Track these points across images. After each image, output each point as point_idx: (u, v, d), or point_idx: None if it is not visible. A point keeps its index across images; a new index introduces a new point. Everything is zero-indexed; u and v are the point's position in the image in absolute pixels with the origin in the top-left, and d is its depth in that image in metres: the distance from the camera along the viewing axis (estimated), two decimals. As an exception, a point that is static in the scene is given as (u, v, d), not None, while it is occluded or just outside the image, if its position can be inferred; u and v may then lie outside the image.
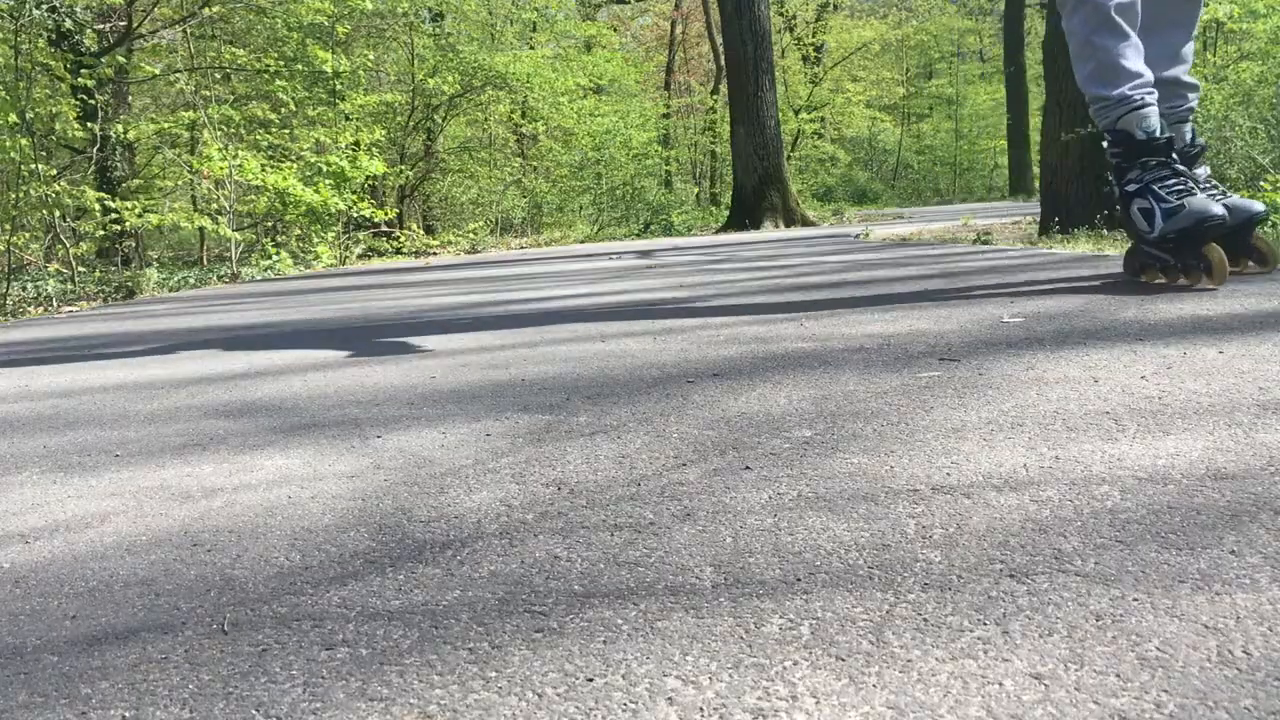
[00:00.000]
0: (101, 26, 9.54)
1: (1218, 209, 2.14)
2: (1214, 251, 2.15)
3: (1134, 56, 2.27)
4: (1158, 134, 2.24)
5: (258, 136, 9.10)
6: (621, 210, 13.82)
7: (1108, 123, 2.30)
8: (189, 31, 10.12)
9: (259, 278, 6.91)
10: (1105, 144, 2.36)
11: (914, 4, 30.12)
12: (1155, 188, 2.22)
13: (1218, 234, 2.14)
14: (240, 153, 7.91)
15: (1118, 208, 2.36)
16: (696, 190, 23.80)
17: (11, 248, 6.21)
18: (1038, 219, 6.12)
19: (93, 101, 7.98)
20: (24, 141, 6.11)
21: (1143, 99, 2.23)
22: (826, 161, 26.43)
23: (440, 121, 13.44)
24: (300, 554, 0.89)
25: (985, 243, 5.00)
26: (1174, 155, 2.26)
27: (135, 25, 9.38)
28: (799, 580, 0.76)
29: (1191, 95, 2.41)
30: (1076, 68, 2.37)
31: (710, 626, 0.69)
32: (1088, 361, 1.49)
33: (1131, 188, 2.27)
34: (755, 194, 11.12)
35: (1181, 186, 2.21)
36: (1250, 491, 0.88)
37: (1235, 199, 2.31)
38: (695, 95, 25.75)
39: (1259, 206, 2.30)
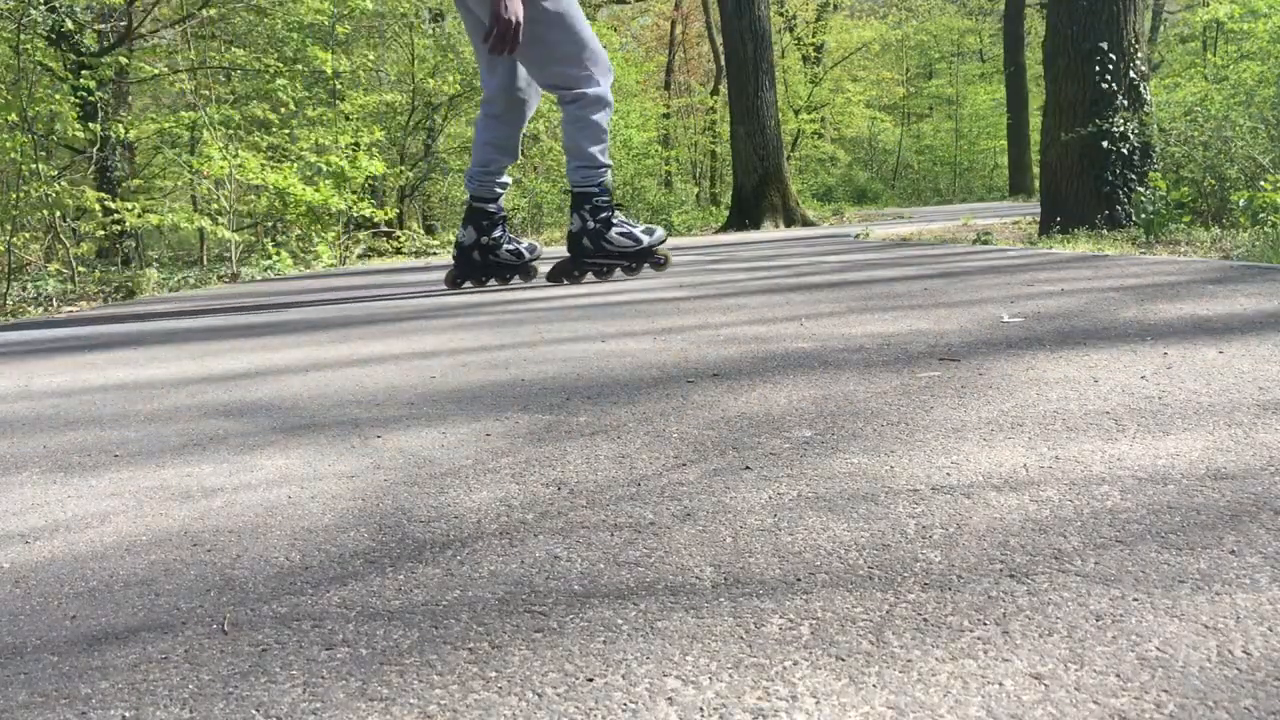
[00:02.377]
0: (101, 26, 9.54)
1: (661, 230, 3.84)
2: (666, 250, 3.89)
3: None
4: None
5: (257, 138, 9.10)
6: (621, 210, 13.81)
7: (600, 182, 3.63)
8: (189, 32, 10.12)
9: (259, 278, 6.91)
10: (592, 194, 3.66)
11: (914, 4, 30.12)
12: (625, 221, 3.68)
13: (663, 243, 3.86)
14: (240, 153, 7.91)
15: (586, 240, 3.69)
16: (696, 190, 23.81)
17: (11, 248, 6.21)
18: (1038, 219, 6.12)
19: (93, 101, 7.98)
20: (24, 141, 6.11)
21: (609, 165, 3.65)
22: (826, 161, 26.44)
23: (441, 121, 13.44)
24: (300, 554, 0.89)
25: (985, 243, 5.00)
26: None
27: (135, 25, 9.38)
28: (799, 580, 0.76)
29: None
30: (591, 144, 3.60)
31: (710, 626, 0.69)
32: (1088, 361, 1.49)
33: (614, 221, 3.67)
34: (755, 194, 11.12)
35: (636, 221, 3.84)
36: (1250, 491, 0.88)
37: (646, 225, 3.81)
38: (695, 95, 25.76)
39: (662, 231, 3.82)
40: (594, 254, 3.72)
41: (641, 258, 3.75)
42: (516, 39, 3.34)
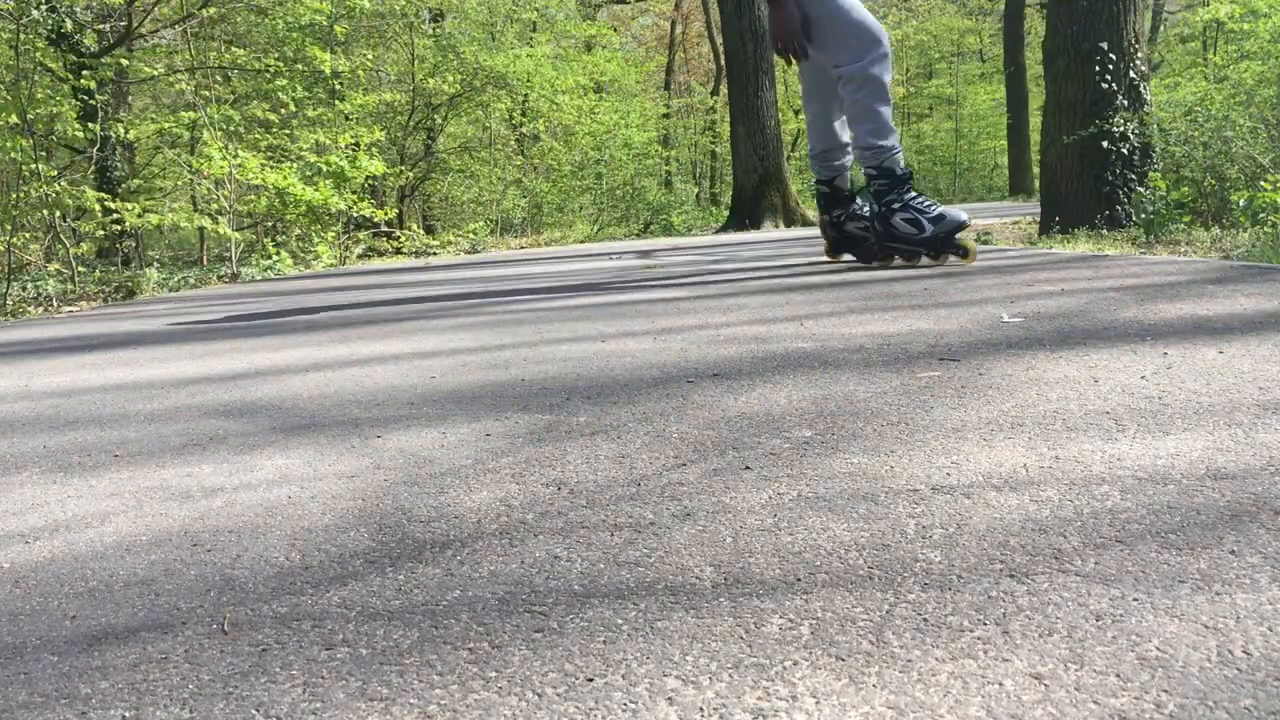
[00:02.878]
0: (101, 27, 9.54)
1: (964, 214, 3.28)
2: (968, 241, 3.29)
3: (890, 115, 3.30)
4: (905, 170, 3.30)
5: (257, 136, 9.10)
6: (621, 210, 13.82)
7: (877, 164, 3.28)
8: (189, 32, 10.12)
9: (259, 277, 6.91)
10: (872, 177, 3.32)
11: (914, 4, 30.11)
12: (913, 205, 3.25)
13: (963, 230, 3.27)
14: (240, 153, 7.91)
15: (876, 224, 3.39)
16: (696, 190, 23.81)
17: (11, 248, 6.21)
18: (1038, 219, 6.12)
19: (93, 101, 7.98)
20: (24, 142, 6.11)
21: (899, 148, 3.30)
22: (827, 162, 26.37)
23: (440, 121, 13.44)
24: (300, 554, 0.89)
25: (985, 242, 5.00)
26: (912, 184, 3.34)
27: (135, 25, 9.38)
28: (799, 580, 0.76)
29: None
30: (857, 126, 3.29)
31: (710, 626, 0.69)
32: (1088, 361, 1.49)
33: (896, 206, 3.28)
34: (755, 194, 11.11)
35: (930, 202, 3.28)
36: (1250, 491, 0.88)
37: (951, 209, 3.33)
38: (695, 95, 25.75)
39: (964, 214, 3.30)
40: (884, 239, 3.40)
41: (934, 246, 3.28)
42: (799, 45, 3.27)
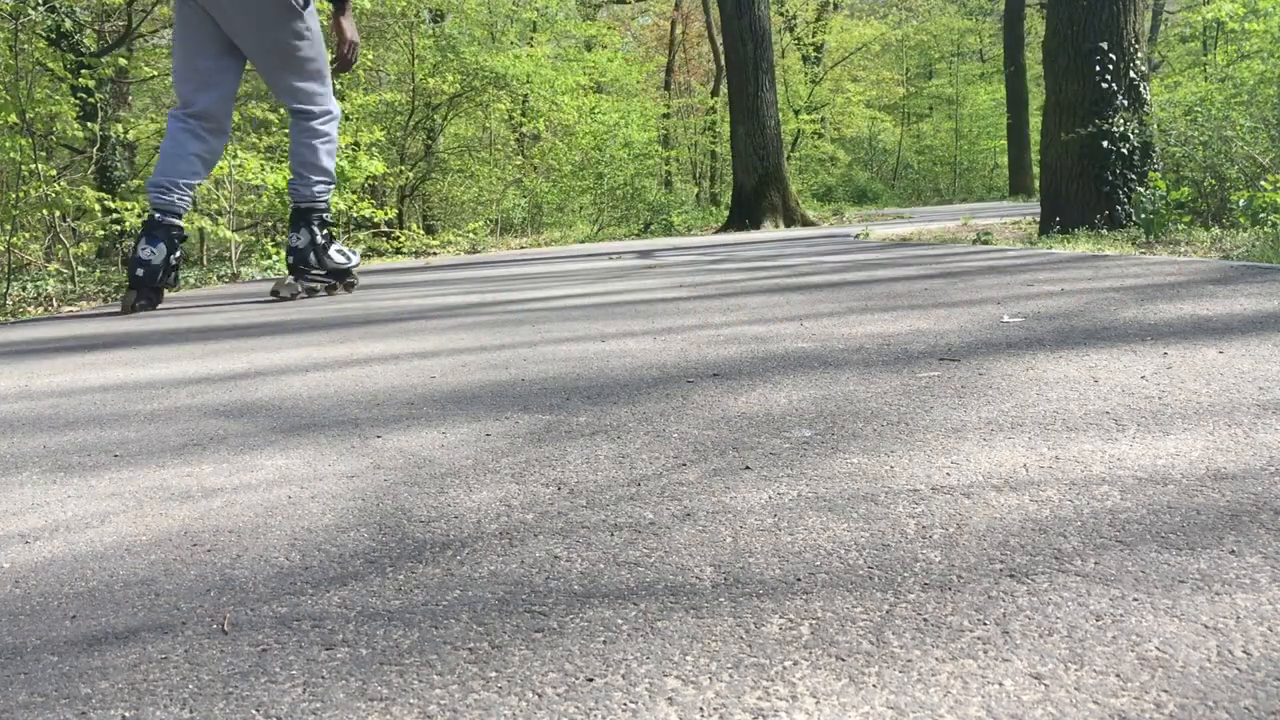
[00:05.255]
0: (101, 27, 9.54)
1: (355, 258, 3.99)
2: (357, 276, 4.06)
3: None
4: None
5: (255, 139, 9.10)
6: (621, 210, 13.82)
7: (327, 198, 3.73)
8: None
9: (259, 277, 6.91)
10: (314, 209, 3.74)
11: (914, 4, 30.11)
12: (339, 239, 3.59)
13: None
14: (239, 153, 7.90)
15: (315, 256, 3.78)
16: (696, 190, 23.81)
17: (11, 248, 6.21)
18: (1038, 219, 6.12)
19: (92, 101, 7.97)
20: (24, 141, 6.11)
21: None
22: (826, 161, 26.42)
23: (440, 121, 13.44)
24: (300, 554, 0.89)
25: (985, 243, 5.00)
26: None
27: (135, 25, 9.38)
28: (799, 580, 0.76)
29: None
30: (326, 161, 3.73)
31: (710, 626, 0.69)
32: (1088, 361, 1.49)
33: (332, 239, 3.77)
34: (755, 194, 11.11)
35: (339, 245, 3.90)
36: (1250, 491, 0.88)
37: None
38: (695, 95, 25.75)
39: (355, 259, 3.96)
40: (316, 269, 3.78)
41: (344, 277, 3.87)
42: (355, 58, 3.65)
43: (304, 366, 2.01)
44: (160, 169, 3.55)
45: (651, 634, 0.68)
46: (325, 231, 3.77)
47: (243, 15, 3.43)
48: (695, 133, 24.94)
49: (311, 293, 3.80)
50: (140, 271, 3.52)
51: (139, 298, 3.59)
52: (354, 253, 3.97)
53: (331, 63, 3.70)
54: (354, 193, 9.16)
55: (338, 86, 10.25)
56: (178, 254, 3.63)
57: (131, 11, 9.46)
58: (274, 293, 3.85)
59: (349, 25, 3.58)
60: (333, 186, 3.75)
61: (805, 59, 27.62)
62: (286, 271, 3.93)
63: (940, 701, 0.57)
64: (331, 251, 3.80)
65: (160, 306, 3.77)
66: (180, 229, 3.59)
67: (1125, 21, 5.37)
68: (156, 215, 3.55)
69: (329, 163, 3.71)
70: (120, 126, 8.43)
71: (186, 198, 3.57)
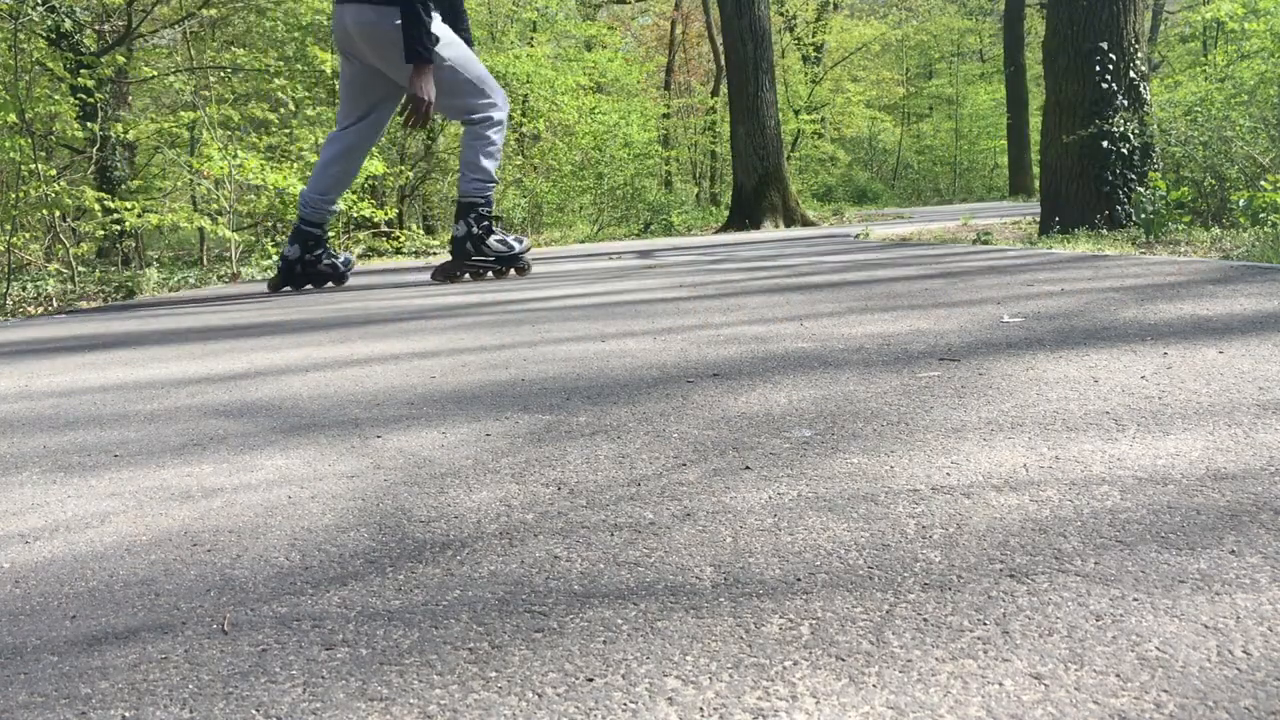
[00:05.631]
0: (101, 27, 9.54)
1: (526, 242, 4.36)
2: (529, 260, 4.43)
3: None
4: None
5: (255, 139, 9.10)
6: (622, 210, 13.82)
7: (486, 195, 4.13)
8: (189, 32, 10.12)
9: (259, 278, 6.91)
10: (476, 204, 4.14)
11: (914, 4, 30.11)
12: (502, 231, 4.19)
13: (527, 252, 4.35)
14: (240, 153, 7.90)
15: (464, 242, 4.17)
16: (696, 190, 23.81)
17: (11, 248, 6.21)
18: (1038, 219, 6.12)
19: (92, 101, 7.97)
20: (24, 141, 6.11)
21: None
22: (826, 161, 26.41)
23: (440, 121, 13.43)
24: (300, 554, 0.89)
25: (985, 243, 5.00)
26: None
27: (135, 25, 9.38)
28: (799, 580, 0.76)
29: None
30: (486, 162, 4.11)
31: (710, 626, 0.69)
32: (1088, 361, 1.49)
33: (494, 231, 4.19)
34: (755, 194, 11.11)
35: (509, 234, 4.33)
36: (1250, 491, 0.88)
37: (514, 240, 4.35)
38: (695, 95, 25.74)
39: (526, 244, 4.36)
40: (475, 256, 4.22)
41: (513, 263, 4.29)
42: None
43: (304, 366, 2.01)
44: (309, 183, 4.23)
45: (651, 634, 0.68)
46: (484, 224, 4.14)
47: (392, 68, 3.94)
48: (695, 133, 24.93)
49: (478, 276, 4.23)
50: (282, 264, 4.35)
51: (282, 282, 4.35)
52: (519, 241, 4.28)
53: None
54: (354, 193, 9.16)
55: (338, 86, 10.26)
56: (317, 253, 4.30)
57: (131, 11, 9.46)
58: (434, 275, 4.33)
59: (421, 82, 3.85)
60: (491, 185, 4.12)
61: (805, 59, 27.61)
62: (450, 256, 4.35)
63: (940, 701, 0.57)
64: (491, 241, 4.17)
65: (165, 306, 3.77)
66: (314, 234, 4.28)
67: (1125, 21, 5.37)
68: (299, 221, 4.29)
69: (487, 164, 4.09)
70: (120, 126, 8.43)
71: (322, 210, 4.23)
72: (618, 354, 1.88)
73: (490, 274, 4.26)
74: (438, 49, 3.88)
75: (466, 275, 4.25)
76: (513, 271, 4.31)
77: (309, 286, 4.42)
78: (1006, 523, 0.85)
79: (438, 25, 3.92)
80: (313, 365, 2.02)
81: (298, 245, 4.30)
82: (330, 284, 4.46)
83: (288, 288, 4.37)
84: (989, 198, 23.61)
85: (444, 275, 4.30)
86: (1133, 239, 4.64)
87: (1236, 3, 8.65)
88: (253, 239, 9.75)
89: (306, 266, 4.33)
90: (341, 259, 4.45)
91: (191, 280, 6.80)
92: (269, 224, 9.49)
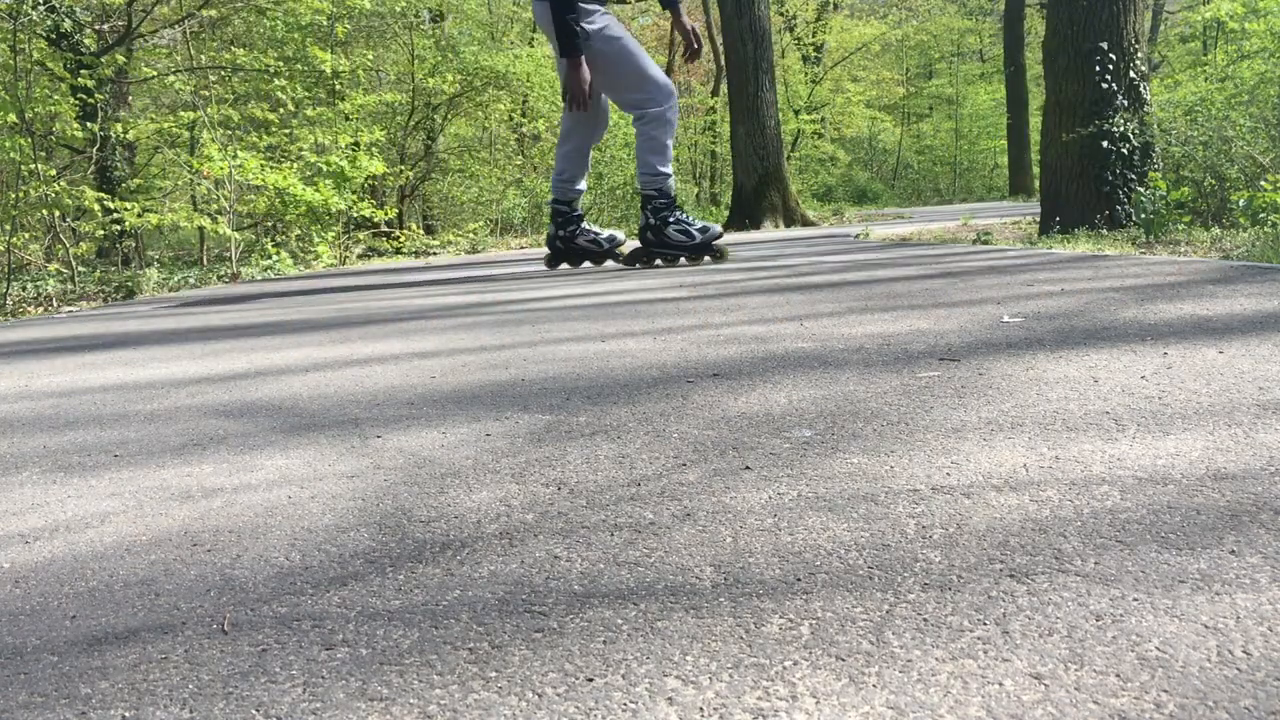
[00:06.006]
0: (101, 27, 9.54)
1: (719, 227, 4.37)
2: (724, 247, 4.44)
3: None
4: (674, 194, 4.31)
5: (255, 139, 9.10)
6: (622, 210, 13.82)
7: (659, 186, 4.25)
8: (188, 31, 10.11)
9: (259, 277, 6.91)
10: (653, 197, 4.29)
11: (914, 4, 30.10)
12: (684, 220, 4.30)
13: (719, 239, 4.37)
14: (239, 153, 7.90)
15: (649, 234, 4.34)
16: (696, 190, 23.79)
17: (11, 248, 6.21)
18: (1038, 219, 6.12)
19: (92, 101, 7.97)
20: (24, 141, 6.10)
21: (672, 175, 4.29)
22: (826, 161, 26.41)
23: (440, 121, 13.44)
24: (300, 554, 0.89)
25: (985, 243, 5.00)
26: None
27: (135, 25, 9.38)
28: (799, 580, 0.76)
29: None
30: (651, 157, 4.24)
31: (710, 626, 0.69)
32: (1088, 361, 1.49)
33: (671, 220, 4.28)
34: (755, 194, 11.11)
35: (697, 220, 4.38)
36: (1250, 491, 0.88)
37: (705, 224, 4.39)
38: (695, 95, 25.73)
39: (719, 228, 4.38)
40: (655, 244, 4.35)
41: (706, 250, 4.34)
42: (587, 99, 4.13)
43: (304, 366, 2.01)
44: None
45: (651, 634, 0.68)
46: (662, 215, 4.26)
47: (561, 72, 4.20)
48: (695, 133, 24.92)
49: (669, 262, 4.35)
50: (547, 242, 4.60)
51: (551, 259, 4.61)
52: (701, 230, 4.30)
53: (683, 56, 4.44)
54: (354, 193, 9.15)
55: (338, 86, 10.26)
56: (570, 229, 4.48)
57: (131, 11, 9.46)
58: (625, 260, 4.50)
59: (573, 73, 4.10)
60: (659, 178, 4.23)
61: (805, 59, 27.61)
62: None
63: (940, 701, 0.57)
64: (670, 231, 4.28)
65: (165, 305, 3.77)
66: (562, 211, 4.46)
67: (1125, 21, 5.37)
68: (550, 200, 4.52)
69: (651, 158, 4.22)
70: (120, 126, 8.43)
71: (561, 187, 4.42)
72: (618, 354, 1.88)
73: (682, 260, 4.35)
74: (595, 43, 4.07)
75: (658, 261, 4.38)
76: (708, 260, 4.35)
77: (586, 264, 4.60)
78: (1006, 523, 0.85)
79: (602, 17, 4.11)
80: (313, 365, 2.02)
81: (553, 223, 4.53)
82: (589, 262, 4.61)
83: (564, 265, 4.60)
84: (989, 198, 23.61)
85: (631, 259, 4.46)
86: (1133, 239, 4.64)
87: (1236, 3, 8.65)
88: (253, 239, 9.74)
89: (565, 243, 4.51)
90: (604, 236, 4.54)
91: (191, 280, 6.80)
92: (269, 224, 9.49)
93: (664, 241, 4.31)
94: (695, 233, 4.30)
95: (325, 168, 8.65)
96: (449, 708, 0.60)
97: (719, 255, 4.38)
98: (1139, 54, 5.42)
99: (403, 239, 10.70)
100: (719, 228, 4.39)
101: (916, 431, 1.16)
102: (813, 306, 2.43)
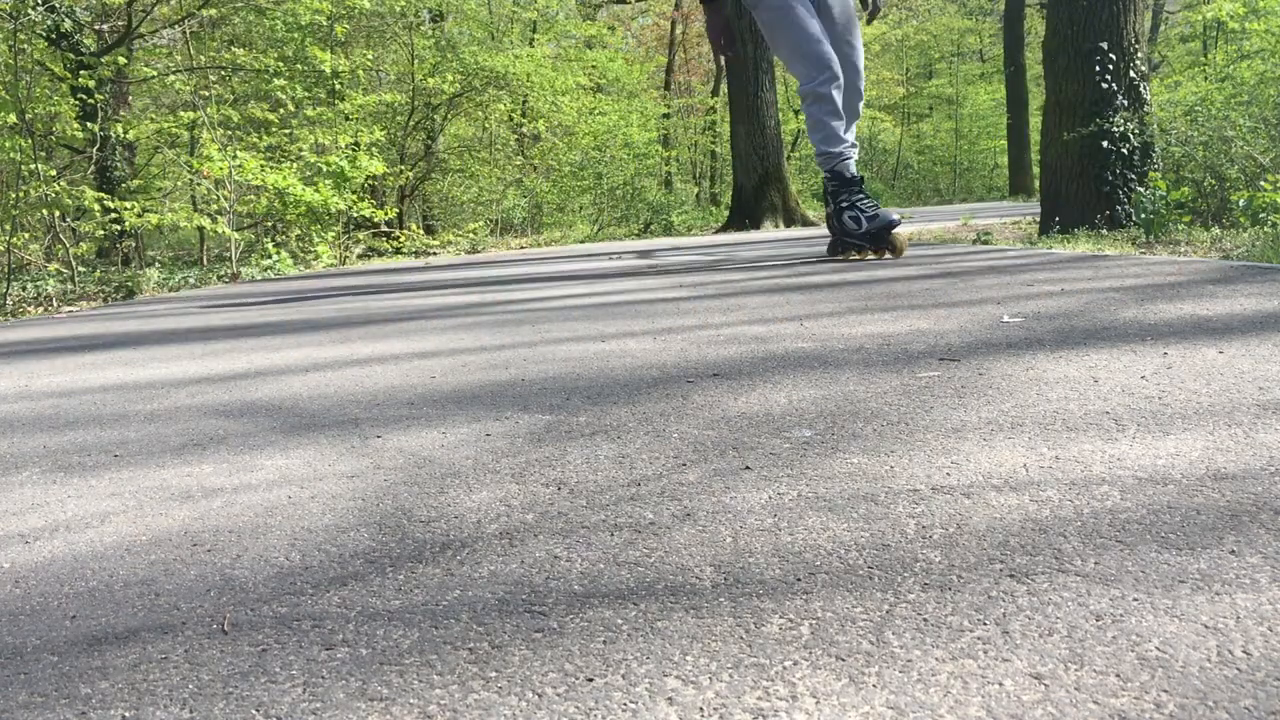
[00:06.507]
0: (101, 27, 9.54)
1: (896, 215, 3.83)
2: (900, 239, 3.78)
3: (843, 127, 3.78)
4: (855, 174, 3.80)
5: (255, 139, 9.10)
6: (622, 210, 13.82)
7: (829, 167, 3.80)
8: (189, 32, 10.12)
9: (259, 278, 6.91)
10: (827, 179, 3.85)
11: (914, 4, 30.11)
12: (858, 205, 3.76)
13: (893, 229, 3.76)
14: (239, 153, 7.90)
15: (831, 219, 3.90)
16: (696, 190, 23.82)
17: (11, 248, 6.21)
18: (1038, 219, 6.12)
19: (92, 101, 7.97)
20: (24, 141, 6.11)
21: (848, 154, 3.78)
22: (826, 161, 26.36)
23: (440, 121, 13.44)
24: (300, 554, 0.89)
25: (985, 243, 5.00)
26: (861, 186, 3.80)
27: (135, 25, 9.37)
28: (799, 580, 0.76)
29: (853, 150, 3.86)
30: (812, 135, 3.80)
31: (710, 626, 0.69)
32: (1088, 361, 1.49)
33: (844, 205, 3.79)
34: (755, 194, 11.11)
35: (872, 203, 3.81)
36: (1250, 491, 0.88)
37: (885, 210, 3.89)
38: (695, 95, 25.75)
39: (897, 216, 3.84)
40: (838, 233, 3.88)
41: (879, 240, 3.75)
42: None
43: (304, 366, 2.01)
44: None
45: (651, 634, 0.68)
46: (839, 198, 3.78)
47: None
48: (695, 133, 24.94)
49: (854, 252, 3.87)
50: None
51: (832, 246, 4.07)
52: (869, 217, 3.75)
53: (861, 17, 4.09)
54: (354, 193, 9.15)
55: (337, 86, 10.26)
56: (840, 200, 3.81)
57: (131, 11, 9.46)
58: (828, 251, 4.04)
59: (707, 19, 3.91)
60: (827, 158, 3.77)
61: (805, 59, 27.55)
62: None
63: (940, 701, 0.57)
64: (844, 218, 3.79)
65: (165, 305, 3.77)
66: (832, 182, 3.82)
67: (1125, 21, 5.37)
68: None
69: (814, 136, 3.78)
70: (120, 126, 8.43)
71: (841, 155, 3.79)
72: (618, 354, 1.88)
73: (854, 253, 3.87)
74: (761, 12, 3.79)
75: (853, 254, 3.88)
76: (887, 254, 3.80)
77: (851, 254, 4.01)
78: (1006, 523, 0.85)
79: None
80: (313, 365, 2.02)
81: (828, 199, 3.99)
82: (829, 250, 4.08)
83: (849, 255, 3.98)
84: (989, 198, 23.61)
85: (830, 251, 4.02)
86: (1133, 239, 4.64)
87: (1237, 3, 8.65)
88: (252, 239, 9.74)
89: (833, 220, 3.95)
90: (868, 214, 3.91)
91: (191, 280, 6.80)
92: (269, 224, 9.49)
93: (842, 228, 3.82)
94: (865, 220, 3.74)
95: (325, 168, 8.65)
96: (449, 708, 0.60)
97: (894, 248, 3.76)
98: (1139, 54, 5.42)
99: (402, 239, 10.70)
100: (894, 214, 3.82)
101: (916, 431, 1.16)
102: (813, 306, 2.43)
